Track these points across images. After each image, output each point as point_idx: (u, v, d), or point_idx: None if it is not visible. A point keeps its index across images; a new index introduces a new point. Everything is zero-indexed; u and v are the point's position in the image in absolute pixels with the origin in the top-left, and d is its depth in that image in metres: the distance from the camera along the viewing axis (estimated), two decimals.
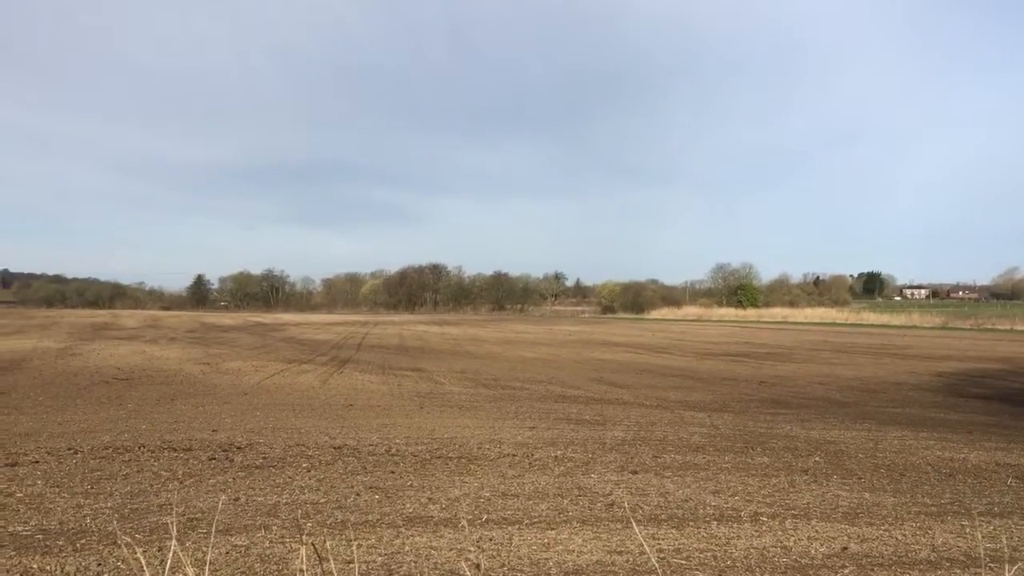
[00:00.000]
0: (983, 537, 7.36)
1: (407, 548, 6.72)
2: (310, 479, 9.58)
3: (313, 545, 6.33)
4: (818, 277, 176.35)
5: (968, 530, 7.62)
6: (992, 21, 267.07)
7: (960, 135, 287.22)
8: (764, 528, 7.55)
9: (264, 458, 10.89)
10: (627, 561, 6.42)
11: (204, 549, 6.54)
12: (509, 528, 7.42)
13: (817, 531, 7.47)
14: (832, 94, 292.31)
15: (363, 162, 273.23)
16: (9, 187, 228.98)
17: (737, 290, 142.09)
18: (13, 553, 6.45)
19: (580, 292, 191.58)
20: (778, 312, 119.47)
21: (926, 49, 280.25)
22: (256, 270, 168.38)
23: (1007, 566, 6.37)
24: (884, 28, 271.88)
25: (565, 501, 8.54)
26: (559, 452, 11.68)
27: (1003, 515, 8.33)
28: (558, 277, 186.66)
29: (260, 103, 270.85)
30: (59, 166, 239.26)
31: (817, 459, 11.58)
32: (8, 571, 6.02)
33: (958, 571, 6.28)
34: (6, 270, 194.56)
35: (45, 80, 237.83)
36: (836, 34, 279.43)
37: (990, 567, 6.42)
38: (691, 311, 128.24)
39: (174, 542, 6.43)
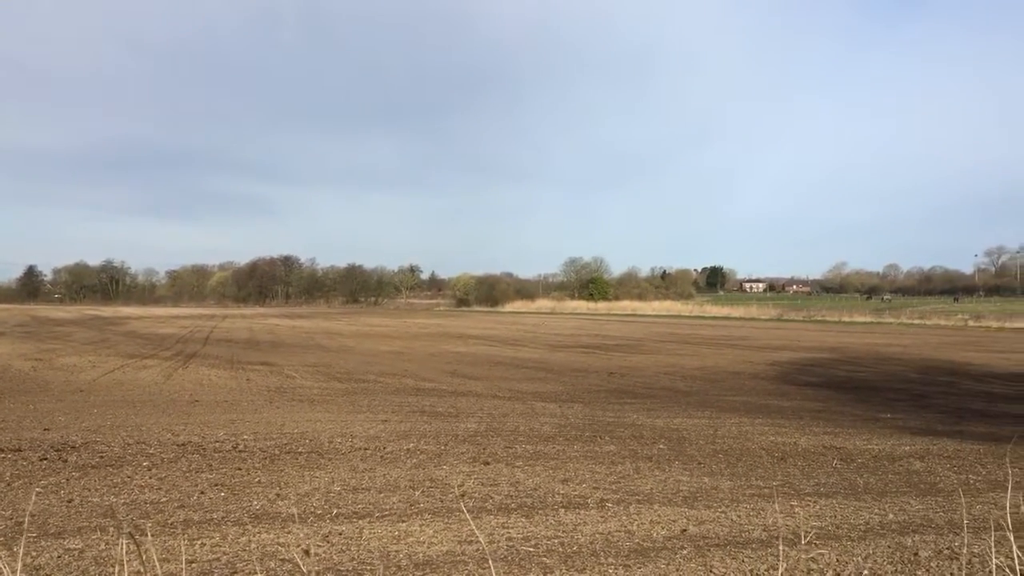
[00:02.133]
0: (808, 516, 7.84)
1: (253, 545, 6.54)
2: (151, 478, 9.17)
3: (136, 542, 6.06)
4: (665, 271, 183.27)
5: (797, 510, 8.10)
6: (836, 31, 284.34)
7: (798, 139, 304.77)
8: (610, 514, 7.77)
9: (101, 457, 10.35)
10: (476, 551, 6.48)
11: (33, 554, 6.15)
12: (360, 522, 7.34)
13: (659, 515, 7.75)
14: (684, 97, 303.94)
15: (217, 153, 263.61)
16: None
17: (588, 283, 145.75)
18: None
19: (435, 285, 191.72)
20: (627, 305, 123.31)
21: (769, 56, 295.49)
22: (94, 261, 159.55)
23: (831, 543, 6.82)
24: (732, 36, 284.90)
25: (416, 493, 8.53)
26: (411, 445, 11.65)
27: (828, 495, 8.90)
28: (413, 270, 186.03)
29: (109, 90, 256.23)
30: None
31: (661, 446, 12.03)
32: None
33: (786, 548, 6.66)
34: None
35: None
36: (688, 41, 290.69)
37: (814, 543, 6.84)
38: (544, 304, 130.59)
39: None
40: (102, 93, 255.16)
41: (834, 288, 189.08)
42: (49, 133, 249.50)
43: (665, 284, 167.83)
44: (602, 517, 7.63)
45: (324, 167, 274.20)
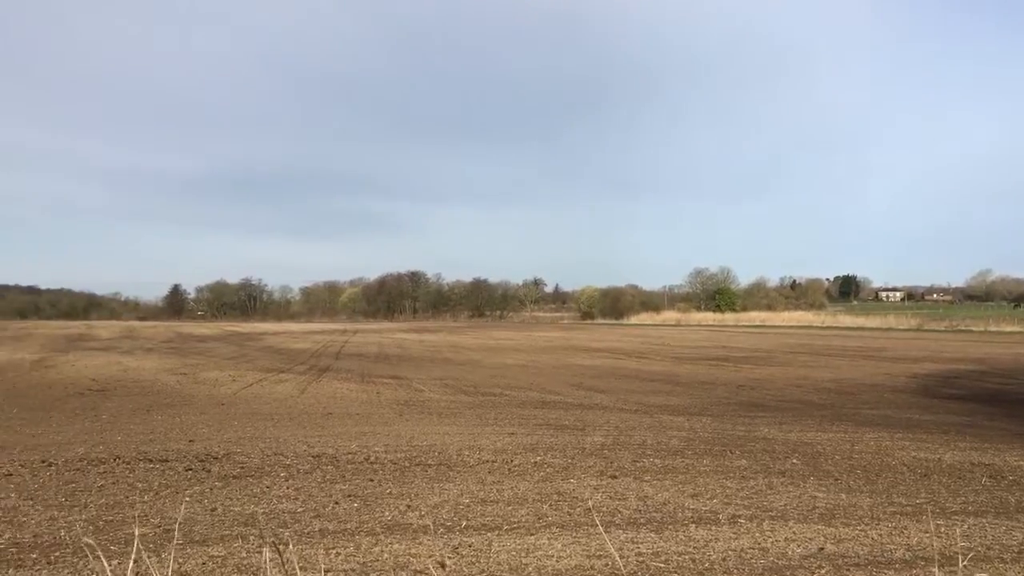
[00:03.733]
0: (959, 535, 7.43)
1: (386, 556, 6.69)
2: (288, 488, 9.52)
3: (278, 551, 6.29)
4: (795, 281, 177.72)
5: (944, 529, 7.69)
6: (971, 27, 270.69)
7: (933, 140, 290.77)
8: (742, 530, 7.58)
9: (241, 468, 10.81)
10: (606, 565, 6.43)
11: (180, 560, 6.48)
12: (488, 534, 7.41)
13: (794, 532, 7.51)
14: (810, 100, 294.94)
15: (346, 172, 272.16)
16: None
17: (715, 294, 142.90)
18: None
19: (559, 298, 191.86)
20: (756, 316, 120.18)
21: (902, 56, 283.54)
22: (233, 279, 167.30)
23: (982, 564, 6.44)
24: (860, 36, 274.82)
25: (544, 506, 8.54)
26: (538, 458, 11.68)
27: (978, 514, 8.42)
28: (537, 283, 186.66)
29: (239, 112, 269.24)
30: (29, 178, 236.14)
31: (794, 461, 11.65)
32: None
33: (934, 570, 6.33)
34: None
35: (10, 92, 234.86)
36: (814, 42, 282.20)
37: (967, 567, 6.47)
38: (670, 316, 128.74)
39: (134, 552, 6.37)
40: (247, 117, 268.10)
41: (979, 296, 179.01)
42: (192, 158, 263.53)
43: (795, 294, 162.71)
44: (734, 534, 7.45)
45: (449, 183, 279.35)
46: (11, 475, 10.20)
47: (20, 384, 25.00)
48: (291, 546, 6.76)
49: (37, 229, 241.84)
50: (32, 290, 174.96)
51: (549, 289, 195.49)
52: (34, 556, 6.67)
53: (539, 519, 7.98)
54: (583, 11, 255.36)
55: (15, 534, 7.37)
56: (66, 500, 8.79)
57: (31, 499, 8.82)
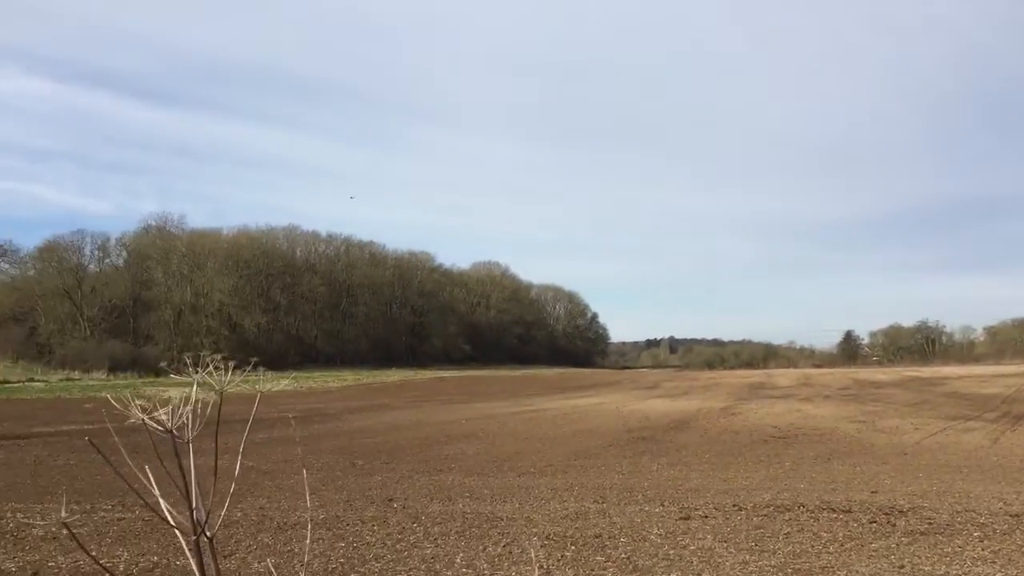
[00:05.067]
0: None
1: None
2: (983, 550, 8.61)
3: None
4: None
5: None
6: None
7: None
8: None
9: (929, 524, 10.14)
10: None
11: None
12: None
13: None
14: None
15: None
16: (670, 262, 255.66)
17: None
18: None
19: None
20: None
21: None
22: (908, 322, 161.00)
23: None
24: None
25: None
26: None
27: None
28: None
29: (893, 146, 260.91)
30: (706, 238, 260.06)
31: None
32: None
33: None
34: (672, 337, 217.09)
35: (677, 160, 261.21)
36: None
37: None
38: None
39: None
40: (886, 151, 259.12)
41: None
42: (844, 201, 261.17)
43: None
44: None
45: None
46: (707, 517, 11.09)
47: (711, 430, 27.24)
48: None
49: (716, 286, 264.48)
50: (717, 342, 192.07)
51: None
52: None
53: None
54: None
55: (712, 574, 7.93)
56: (755, 545, 9.22)
57: (724, 541, 9.45)
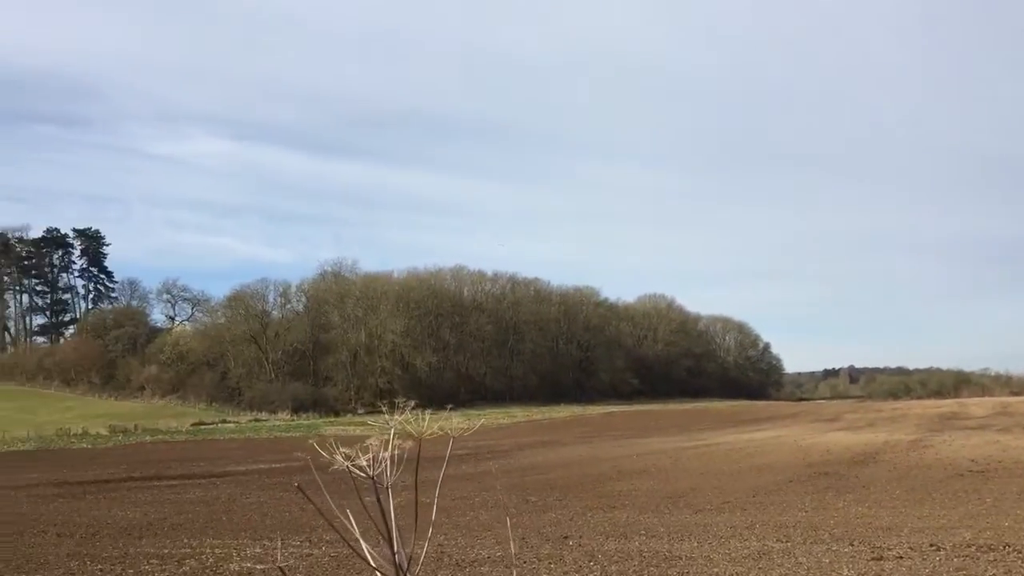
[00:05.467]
0: None
1: None
2: None
3: None
4: None
5: None
6: None
7: None
8: None
9: None
10: None
11: None
12: None
13: None
14: None
15: None
16: (844, 288, 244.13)
17: None
18: None
19: None
20: None
21: None
22: None
23: None
24: None
25: None
26: None
27: None
28: None
29: None
30: (883, 260, 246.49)
31: None
32: None
33: None
34: (852, 366, 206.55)
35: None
36: None
37: None
38: None
39: None
40: None
41: None
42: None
43: None
44: None
45: None
46: (902, 558, 10.45)
47: (900, 465, 25.71)
48: None
49: (897, 311, 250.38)
50: (901, 371, 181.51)
51: None
52: None
53: None
54: None
55: None
56: None
57: None
